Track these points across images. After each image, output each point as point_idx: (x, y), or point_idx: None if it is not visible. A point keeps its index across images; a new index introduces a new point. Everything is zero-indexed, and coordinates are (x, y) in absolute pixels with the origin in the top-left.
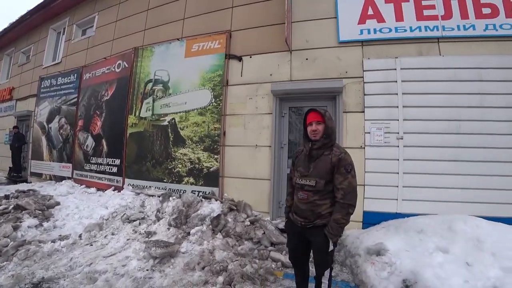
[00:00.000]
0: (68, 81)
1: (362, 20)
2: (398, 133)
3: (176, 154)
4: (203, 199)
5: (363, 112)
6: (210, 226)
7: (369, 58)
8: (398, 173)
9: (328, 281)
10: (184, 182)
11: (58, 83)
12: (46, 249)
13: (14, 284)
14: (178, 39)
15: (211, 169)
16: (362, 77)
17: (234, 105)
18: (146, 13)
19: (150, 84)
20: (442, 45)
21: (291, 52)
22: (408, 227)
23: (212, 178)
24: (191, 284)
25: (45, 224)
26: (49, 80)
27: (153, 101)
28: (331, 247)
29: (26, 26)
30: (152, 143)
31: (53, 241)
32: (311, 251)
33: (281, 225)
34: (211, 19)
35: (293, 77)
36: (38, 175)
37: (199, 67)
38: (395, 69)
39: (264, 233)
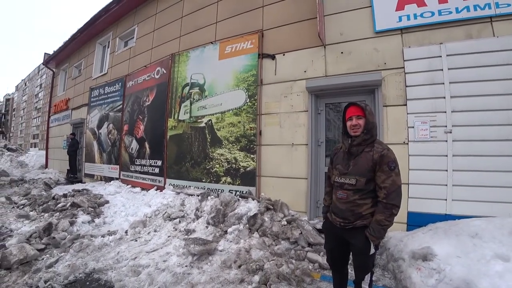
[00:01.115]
0: (114, 89)
1: (400, 6)
2: (446, 126)
3: (214, 154)
4: (240, 198)
5: (405, 105)
6: (247, 225)
7: (409, 47)
8: (447, 170)
9: (369, 286)
10: (221, 182)
11: (106, 92)
12: (97, 243)
13: (70, 272)
14: (211, 43)
15: (248, 169)
16: (403, 67)
17: (269, 104)
18: (181, 21)
19: (187, 88)
20: (496, 25)
21: (325, 47)
22: (460, 231)
23: (249, 177)
24: (227, 282)
25: (96, 220)
26: (97, 90)
27: (191, 104)
28: (372, 250)
29: (77, 43)
30: (191, 145)
31: (103, 236)
32: (351, 253)
33: (319, 225)
34: (243, 20)
35: (328, 72)
36: (91, 176)
37: (233, 68)
38: (440, 57)
39: (301, 233)
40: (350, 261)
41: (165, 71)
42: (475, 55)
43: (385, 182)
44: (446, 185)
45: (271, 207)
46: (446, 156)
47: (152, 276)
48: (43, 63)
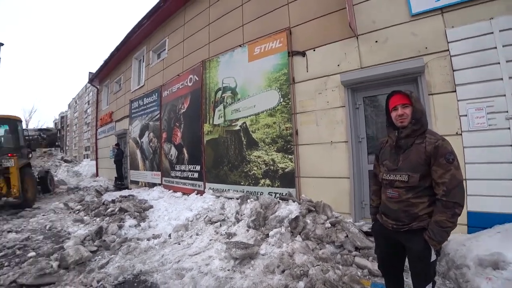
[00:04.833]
0: (152, 100)
1: None
2: (507, 111)
3: (251, 157)
4: (280, 201)
5: (454, 91)
6: (289, 228)
7: (453, 27)
8: None
9: None
10: (260, 184)
11: (144, 103)
12: (143, 246)
13: (120, 274)
14: (240, 46)
15: (286, 170)
16: (447, 50)
17: (303, 102)
18: (208, 28)
19: (219, 92)
20: None
21: (357, 38)
22: None
23: (288, 178)
24: None
25: (142, 224)
26: (137, 102)
27: (224, 108)
28: (433, 257)
29: (116, 60)
30: (227, 148)
31: (148, 239)
32: (406, 258)
33: (366, 228)
34: (269, 19)
35: (364, 64)
36: (136, 183)
37: (264, 68)
38: (492, 33)
39: (347, 236)
40: (406, 268)
41: (197, 78)
42: None
43: (443, 177)
44: None
45: (313, 208)
46: (510, 145)
47: (195, 280)
48: (88, 82)
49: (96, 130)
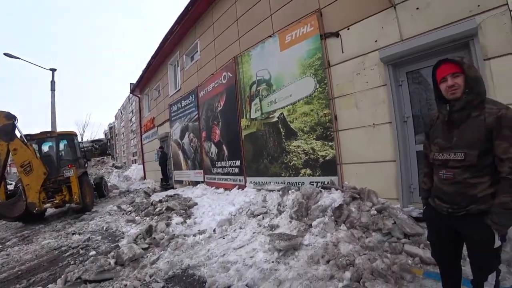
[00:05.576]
0: (189, 102)
1: None
2: None
3: (290, 147)
4: (322, 190)
5: None
6: (332, 217)
7: None
8: None
9: None
10: (301, 174)
11: (182, 105)
12: (189, 242)
13: (170, 268)
14: (270, 36)
15: (327, 158)
16: (506, 4)
17: (341, 85)
18: (237, 23)
19: (254, 86)
20: None
21: (395, 7)
22: None
23: (329, 166)
24: (316, 278)
25: (188, 221)
26: (175, 105)
27: (260, 101)
28: (497, 243)
29: (153, 69)
30: (266, 141)
31: (194, 235)
32: (463, 246)
33: (415, 213)
34: (297, 4)
35: (404, 35)
36: (180, 182)
37: (297, 56)
38: None
39: (394, 222)
40: (464, 255)
41: (231, 75)
42: None
43: (508, 152)
44: None
45: (357, 196)
46: None
47: (240, 272)
48: (130, 92)
49: (141, 136)
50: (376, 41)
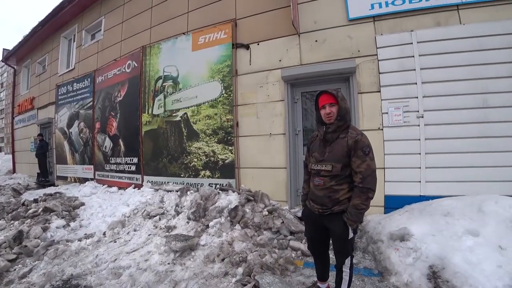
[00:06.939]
0: (83, 86)
1: None
2: (418, 111)
3: (191, 148)
4: (220, 192)
5: (379, 91)
6: (228, 217)
7: (382, 34)
8: (420, 153)
9: (350, 269)
10: (200, 176)
11: (74, 88)
12: (73, 248)
13: (46, 281)
14: (184, 33)
15: (227, 161)
16: (376, 54)
17: (245, 94)
18: (151, 11)
19: (160, 81)
20: (462, 13)
21: (299, 35)
22: (433, 210)
23: (228, 170)
24: (211, 276)
25: (72, 224)
26: (65, 87)
27: (164, 97)
28: (350, 235)
29: (39, 37)
30: (167, 139)
31: (80, 240)
32: (331, 239)
33: (300, 214)
34: (215, 9)
35: (303, 61)
36: (64, 178)
37: (207, 59)
38: (411, 43)
39: (283, 222)
40: (331, 247)
41: (136, 65)
42: (443, 42)
43: (360, 166)
44: (420, 167)
45: (252, 198)
46: (419, 140)
47: (134, 277)
48: (2, 60)
49: (12, 118)
50: (280, 60)
